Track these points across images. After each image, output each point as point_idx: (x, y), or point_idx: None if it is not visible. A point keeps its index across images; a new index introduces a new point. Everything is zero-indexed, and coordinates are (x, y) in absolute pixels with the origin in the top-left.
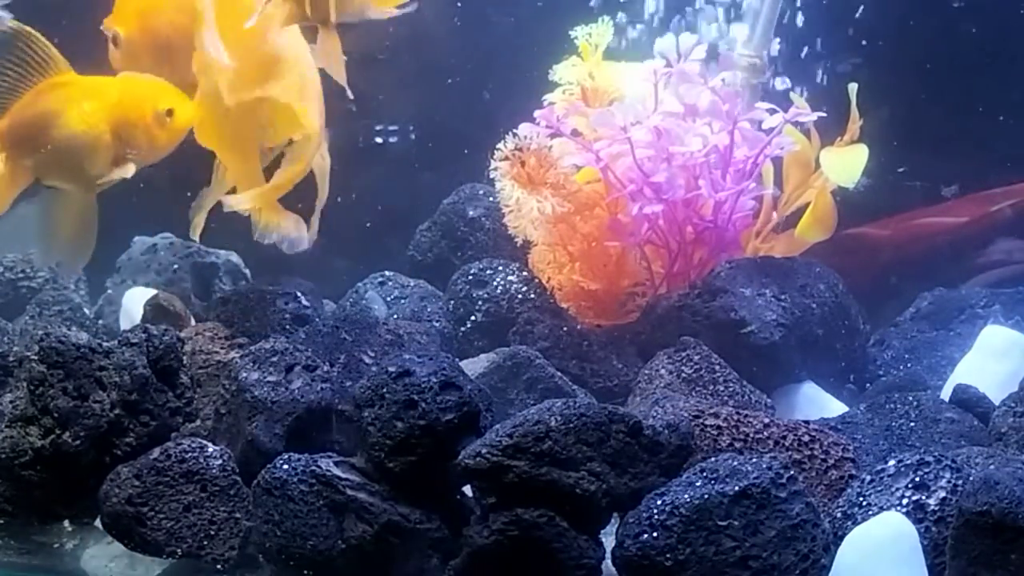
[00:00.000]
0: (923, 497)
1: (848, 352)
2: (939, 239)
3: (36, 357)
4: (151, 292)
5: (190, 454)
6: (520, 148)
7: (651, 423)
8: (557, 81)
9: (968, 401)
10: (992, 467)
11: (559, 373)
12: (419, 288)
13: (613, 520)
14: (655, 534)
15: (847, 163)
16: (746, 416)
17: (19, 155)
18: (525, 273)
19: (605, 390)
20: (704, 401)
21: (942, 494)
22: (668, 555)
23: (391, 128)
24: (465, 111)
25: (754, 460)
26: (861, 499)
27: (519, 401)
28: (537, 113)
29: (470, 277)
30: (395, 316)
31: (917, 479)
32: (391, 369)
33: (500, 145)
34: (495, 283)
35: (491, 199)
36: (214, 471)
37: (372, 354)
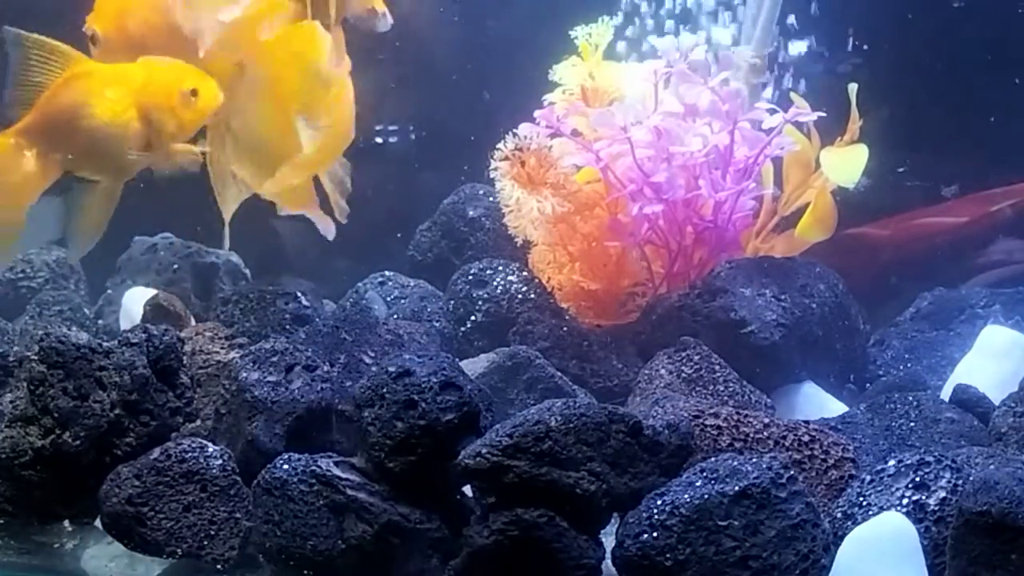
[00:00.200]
0: (923, 497)
1: (848, 352)
2: (939, 239)
3: (36, 357)
4: (151, 292)
5: (190, 454)
6: (520, 148)
7: (651, 423)
8: (557, 81)
9: (968, 401)
10: (992, 467)
11: (559, 373)
12: (419, 288)
13: (613, 520)
14: (655, 534)
15: (847, 163)
16: (746, 416)
17: (48, 149)
18: (525, 273)
19: (605, 390)
20: (704, 401)
21: (942, 494)
22: (668, 555)
23: (391, 128)
24: (465, 111)
25: (754, 460)
26: (861, 499)
27: (519, 401)
28: (537, 113)
29: (470, 277)
30: (395, 316)
31: (917, 479)
32: (391, 369)
33: (500, 145)
34: (495, 283)
35: (491, 199)
36: (214, 471)
37: (372, 354)
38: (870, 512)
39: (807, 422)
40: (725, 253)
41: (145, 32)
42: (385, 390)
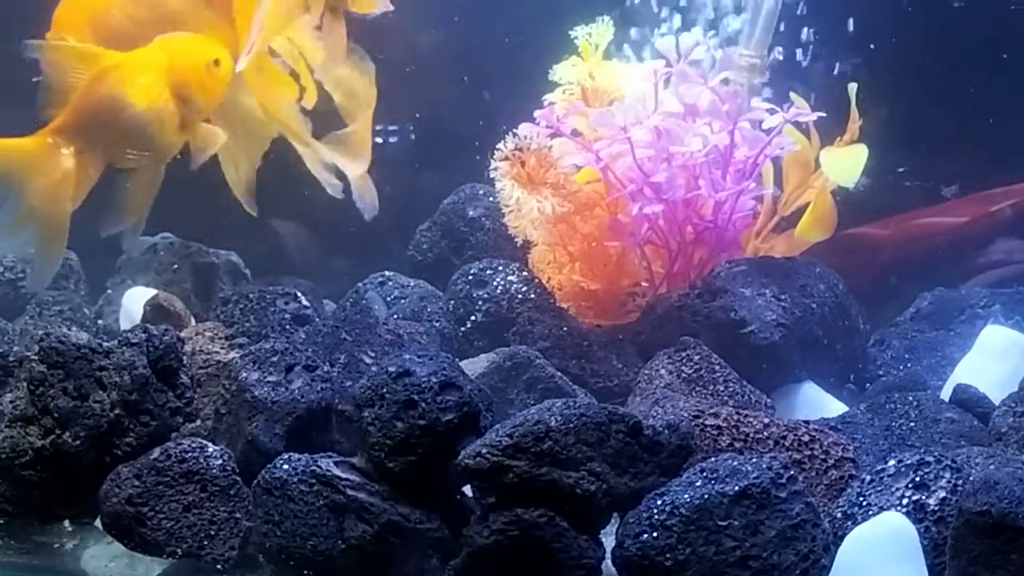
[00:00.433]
0: (923, 497)
1: (848, 352)
2: (939, 239)
3: (36, 357)
4: (151, 292)
5: (190, 454)
6: (520, 148)
7: (651, 423)
8: (557, 81)
9: (968, 401)
10: (992, 467)
11: (559, 373)
12: (419, 288)
13: (613, 520)
14: (655, 534)
15: (847, 163)
16: (746, 416)
17: (87, 146)
18: (525, 273)
19: (605, 390)
20: (704, 401)
21: (942, 494)
22: (668, 555)
23: (391, 128)
24: (465, 111)
25: (754, 460)
26: (861, 499)
27: (519, 401)
28: (537, 113)
29: (470, 277)
30: (395, 316)
31: (917, 479)
32: (391, 369)
33: (500, 145)
34: (495, 283)
35: (491, 199)
36: (214, 471)
37: (372, 354)
38: (870, 512)
39: (807, 422)
40: (725, 253)
41: (122, 38)
42: (385, 390)
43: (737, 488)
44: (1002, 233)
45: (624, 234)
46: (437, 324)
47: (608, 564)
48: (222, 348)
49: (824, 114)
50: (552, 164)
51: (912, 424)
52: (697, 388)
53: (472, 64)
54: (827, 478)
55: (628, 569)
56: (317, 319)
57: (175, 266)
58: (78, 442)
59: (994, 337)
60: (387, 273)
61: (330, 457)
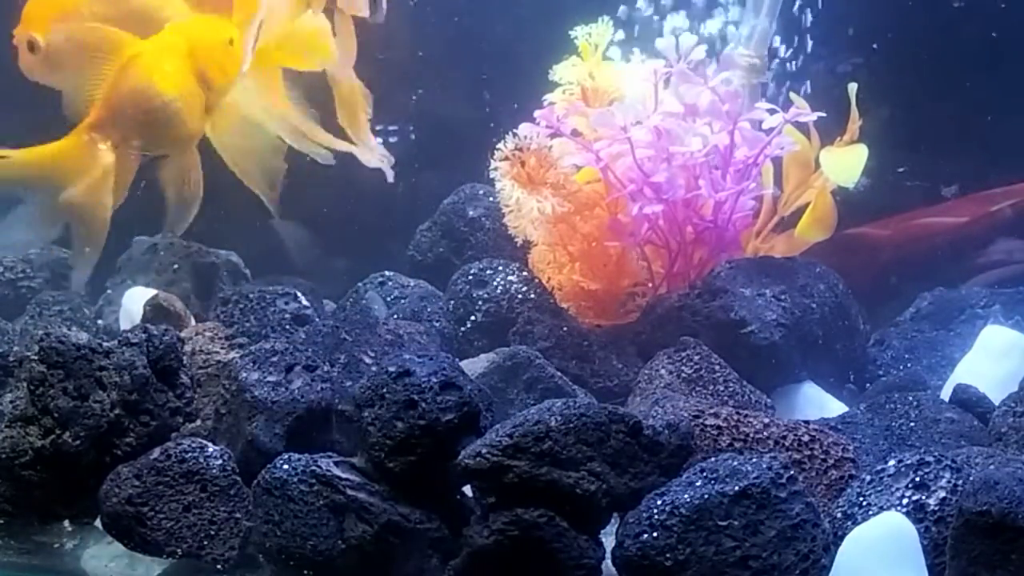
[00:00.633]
0: (923, 497)
1: (848, 352)
2: (939, 239)
3: (36, 357)
4: (151, 292)
5: (190, 454)
6: (520, 148)
7: (651, 423)
8: (557, 81)
9: (968, 401)
10: (992, 467)
11: (559, 373)
12: (419, 288)
13: (613, 520)
14: (655, 534)
15: (847, 163)
16: (746, 416)
17: (122, 138)
18: (525, 273)
19: (605, 390)
20: (704, 401)
21: (942, 494)
22: (668, 555)
23: (391, 128)
24: (465, 111)
25: (754, 460)
26: (861, 499)
27: (519, 401)
28: (537, 113)
29: (470, 277)
30: (395, 316)
31: (917, 479)
32: (391, 369)
33: (500, 145)
34: (495, 283)
35: (491, 199)
36: (214, 471)
37: (372, 354)
38: (870, 512)
39: (807, 422)
40: (725, 253)
41: (91, 35)
42: (385, 390)
43: (737, 488)
44: (1002, 233)
45: (624, 234)
46: (437, 324)
47: (608, 564)
48: (222, 348)
49: (824, 114)
50: (552, 164)
51: (912, 424)
52: (697, 388)
53: (472, 64)
54: (827, 478)
55: (628, 569)
56: (317, 319)
57: (175, 266)
58: (78, 442)
59: (994, 337)
60: (387, 273)
61: (330, 457)
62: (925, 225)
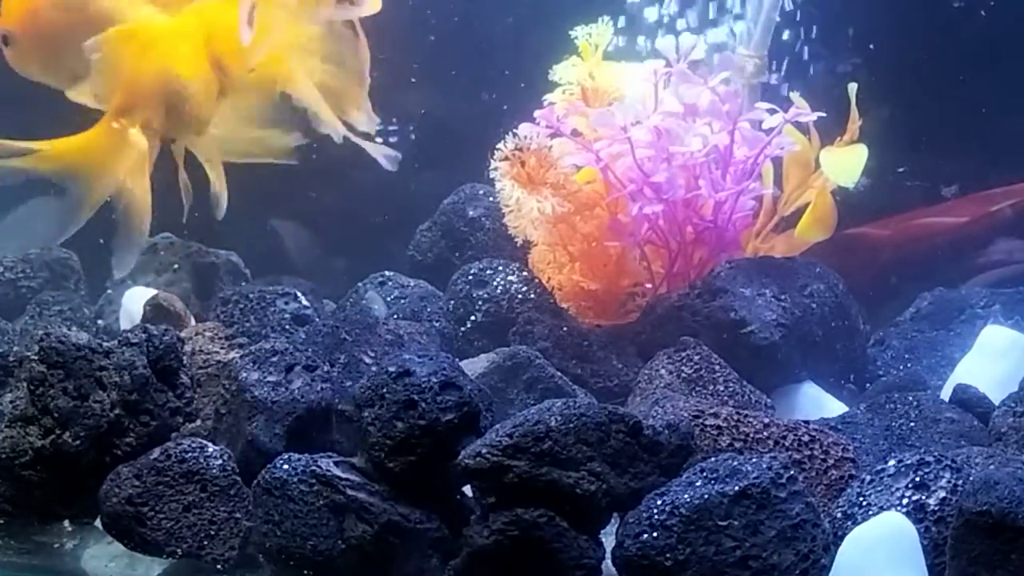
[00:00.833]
0: (923, 497)
1: (848, 352)
2: (939, 239)
3: (36, 357)
4: (151, 292)
5: (190, 454)
6: (520, 148)
7: (651, 423)
8: (557, 81)
9: (968, 401)
10: (992, 467)
11: (559, 373)
12: (419, 288)
13: (613, 520)
14: (655, 534)
15: (847, 163)
16: (746, 416)
17: (147, 123)
18: (525, 273)
19: (605, 390)
20: (704, 401)
21: (942, 494)
22: (668, 555)
23: (391, 128)
24: (465, 111)
25: (754, 460)
26: (861, 499)
27: (519, 401)
28: (537, 113)
29: (470, 277)
30: (395, 316)
31: (917, 479)
32: (391, 369)
33: (500, 145)
34: (495, 283)
35: (491, 199)
36: (214, 471)
37: (372, 354)
38: (870, 512)
39: (807, 422)
40: (725, 253)
41: (62, 28)
42: (385, 390)
43: (737, 488)
44: (1002, 233)
45: (624, 234)
46: (437, 324)
47: (608, 564)
48: (222, 348)
49: (824, 114)
50: (552, 164)
51: (912, 424)
52: (697, 388)
53: (472, 63)
54: (827, 478)
55: (628, 569)
56: (317, 319)
57: (175, 266)
58: (78, 442)
59: (994, 337)
60: (387, 273)
61: (330, 457)
62: (925, 225)
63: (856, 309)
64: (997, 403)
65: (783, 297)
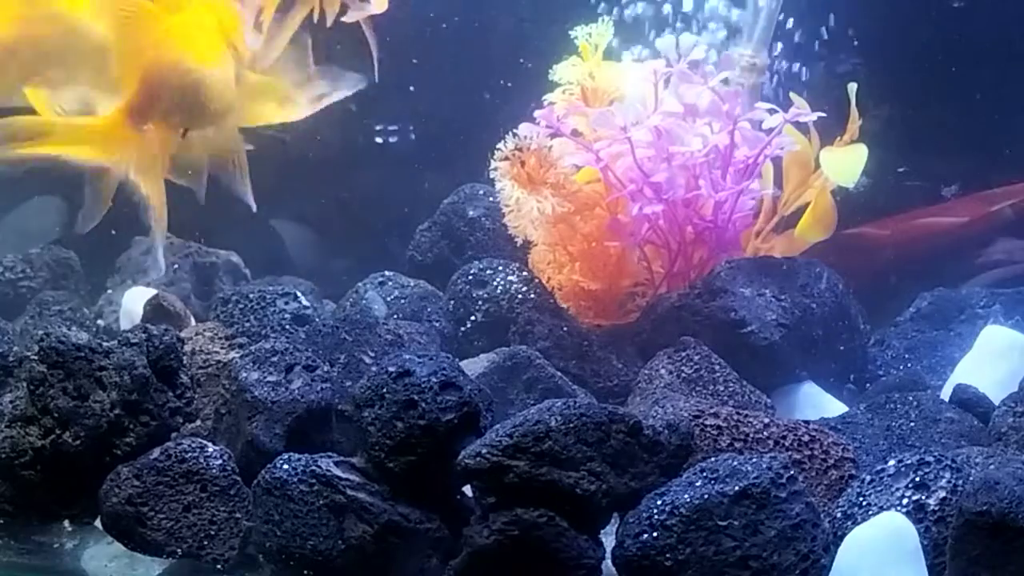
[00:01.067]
0: (923, 497)
1: (848, 352)
2: (939, 239)
3: (36, 357)
4: (151, 292)
5: (190, 454)
6: (520, 148)
7: (651, 423)
8: (557, 81)
9: (968, 401)
10: (992, 467)
11: (559, 373)
12: (419, 288)
13: (613, 520)
14: (655, 534)
15: (847, 163)
16: (746, 416)
17: (164, 118)
18: (525, 273)
19: (605, 390)
20: (704, 401)
21: (942, 494)
22: (668, 555)
23: (391, 128)
24: (465, 111)
25: (754, 460)
26: (861, 499)
27: (519, 401)
28: (537, 113)
29: (470, 277)
30: (395, 316)
31: (917, 479)
32: (391, 369)
33: (500, 145)
34: (495, 283)
35: (491, 199)
36: (214, 471)
37: (372, 354)
38: (870, 512)
39: (807, 422)
40: (725, 253)
41: (24, 32)
42: (385, 390)
43: (737, 488)
44: (1002, 233)
45: (624, 234)
46: (437, 324)
47: (608, 564)
48: (222, 348)
49: (824, 114)
50: (552, 164)
51: (912, 424)
52: (697, 388)
53: (472, 64)
54: (827, 478)
55: (628, 569)
56: (317, 319)
57: (175, 266)
58: (78, 442)
59: (994, 337)
60: (387, 273)
61: (330, 457)
62: (925, 225)
63: (856, 309)
64: (997, 403)
65: (783, 297)
